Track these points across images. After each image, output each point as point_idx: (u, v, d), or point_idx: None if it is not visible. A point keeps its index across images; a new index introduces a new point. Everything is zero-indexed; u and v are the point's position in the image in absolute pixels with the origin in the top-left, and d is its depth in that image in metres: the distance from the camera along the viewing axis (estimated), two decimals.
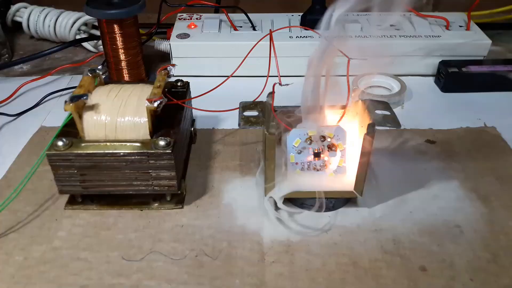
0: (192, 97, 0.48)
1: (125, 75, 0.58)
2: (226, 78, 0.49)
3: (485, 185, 0.44)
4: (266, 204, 0.39)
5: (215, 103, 0.56)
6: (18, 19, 0.72)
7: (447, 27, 0.62)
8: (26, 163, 0.47)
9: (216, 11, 0.68)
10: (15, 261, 0.37)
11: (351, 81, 0.41)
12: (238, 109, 0.41)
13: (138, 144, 0.38)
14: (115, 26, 0.54)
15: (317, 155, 0.38)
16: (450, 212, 0.41)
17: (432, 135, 0.50)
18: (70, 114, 0.39)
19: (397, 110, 0.47)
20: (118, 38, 0.55)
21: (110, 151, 0.37)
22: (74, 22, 0.68)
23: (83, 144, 0.38)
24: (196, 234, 0.39)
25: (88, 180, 0.39)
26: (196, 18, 0.66)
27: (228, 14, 0.64)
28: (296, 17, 0.65)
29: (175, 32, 0.62)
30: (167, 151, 0.37)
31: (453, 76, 0.57)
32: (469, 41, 0.60)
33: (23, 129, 0.52)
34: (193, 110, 0.49)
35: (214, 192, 0.43)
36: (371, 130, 0.35)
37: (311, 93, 0.37)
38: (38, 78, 0.60)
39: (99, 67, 0.42)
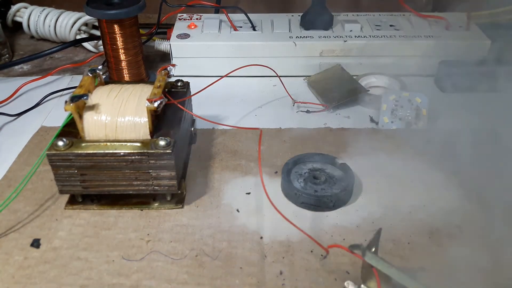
0: (191, 97, 0.48)
1: (125, 75, 0.58)
2: (220, 77, 0.49)
3: (485, 185, 0.44)
4: None
5: (216, 103, 0.56)
6: (18, 19, 0.72)
7: (446, 27, 0.62)
8: (26, 163, 0.47)
9: (216, 11, 0.68)
10: (15, 261, 0.37)
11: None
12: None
13: (138, 144, 0.38)
14: (115, 26, 0.54)
15: None
16: (449, 212, 0.41)
17: (432, 135, 0.50)
18: (70, 114, 0.39)
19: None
20: (118, 38, 0.55)
21: (110, 151, 0.38)
22: (75, 22, 0.68)
23: (83, 144, 0.38)
24: (196, 234, 0.39)
25: (88, 180, 0.39)
26: (196, 19, 0.66)
27: (228, 14, 0.64)
28: (296, 17, 0.65)
29: (175, 32, 0.62)
30: (167, 151, 0.37)
31: (453, 77, 0.57)
32: (469, 41, 0.60)
33: (24, 129, 0.52)
34: (193, 109, 0.49)
35: (214, 192, 0.43)
36: None
37: None
38: (38, 78, 0.60)
39: (99, 67, 0.42)
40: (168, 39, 0.62)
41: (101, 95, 0.40)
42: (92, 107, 0.39)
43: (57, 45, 0.64)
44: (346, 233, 0.39)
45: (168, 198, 0.42)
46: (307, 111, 0.55)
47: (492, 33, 0.61)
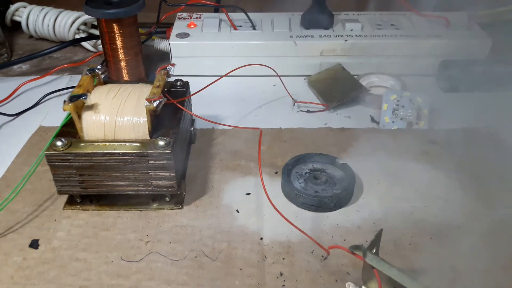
0: (191, 97, 0.47)
1: (124, 74, 0.58)
2: (220, 77, 0.49)
3: (485, 186, 0.43)
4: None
5: (216, 103, 0.56)
6: (17, 18, 0.71)
7: (447, 26, 0.62)
8: (25, 163, 0.46)
9: (216, 10, 0.68)
10: (14, 262, 0.37)
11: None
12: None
13: (137, 144, 0.38)
14: (115, 25, 0.54)
15: None
16: (450, 212, 0.41)
17: (433, 135, 0.50)
18: (69, 114, 0.39)
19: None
20: (117, 38, 0.54)
21: (109, 151, 0.37)
22: (73, 22, 0.67)
23: (82, 144, 0.38)
24: (195, 235, 0.39)
25: (87, 180, 0.39)
26: (196, 18, 0.65)
27: (228, 13, 0.64)
28: (297, 17, 0.65)
29: (174, 31, 0.62)
30: (167, 151, 0.37)
31: (454, 76, 0.57)
32: (470, 41, 0.60)
33: (22, 129, 0.52)
34: (193, 109, 0.49)
35: (214, 192, 0.43)
36: None
37: None
38: (37, 77, 0.60)
39: (98, 67, 0.42)
40: (168, 38, 0.62)
41: (100, 95, 0.40)
42: (91, 107, 0.39)
43: (56, 45, 0.64)
44: (347, 234, 0.39)
45: (167, 199, 0.42)
46: (308, 111, 0.55)
47: (494, 32, 0.61)
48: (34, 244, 0.38)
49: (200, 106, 0.50)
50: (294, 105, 0.56)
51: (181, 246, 0.38)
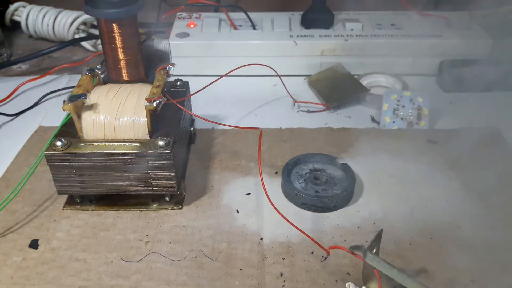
0: (190, 97, 0.47)
1: (124, 74, 0.57)
2: (220, 77, 0.49)
3: (486, 185, 0.43)
4: None
5: (216, 103, 0.56)
6: (16, 18, 0.71)
7: (448, 26, 0.62)
8: (24, 163, 0.46)
9: (216, 10, 0.68)
10: (13, 262, 0.37)
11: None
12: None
13: (137, 144, 0.38)
14: (114, 25, 0.53)
15: None
16: (451, 212, 0.41)
17: (433, 135, 0.50)
18: (69, 114, 0.39)
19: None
20: (117, 38, 0.54)
21: (109, 151, 0.37)
22: (73, 21, 0.67)
23: (81, 144, 0.38)
24: (195, 235, 0.39)
25: (87, 180, 0.39)
26: (196, 17, 0.65)
27: (228, 13, 0.64)
28: (297, 16, 0.65)
29: (174, 31, 0.62)
30: (166, 151, 0.37)
31: (454, 76, 0.57)
32: (471, 41, 0.60)
33: (22, 129, 0.52)
34: (193, 109, 0.49)
35: (214, 192, 0.43)
36: None
37: None
38: (36, 77, 0.60)
39: (98, 67, 0.42)
40: (168, 38, 0.62)
41: (99, 95, 0.40)
42: (91, 107, 0.39)
43: (56, 45, 0.63)
44: (347, 234, 0.39)
45: (167, 199, 0.42)
46: (308, 111, 0.55)
47: (494, 32, 0.61)
48: (34, 244, 0.38)
49: (200, 106, 0.50)
50: (294, 105, 0.56)
51: (181, 246, 0.38)
